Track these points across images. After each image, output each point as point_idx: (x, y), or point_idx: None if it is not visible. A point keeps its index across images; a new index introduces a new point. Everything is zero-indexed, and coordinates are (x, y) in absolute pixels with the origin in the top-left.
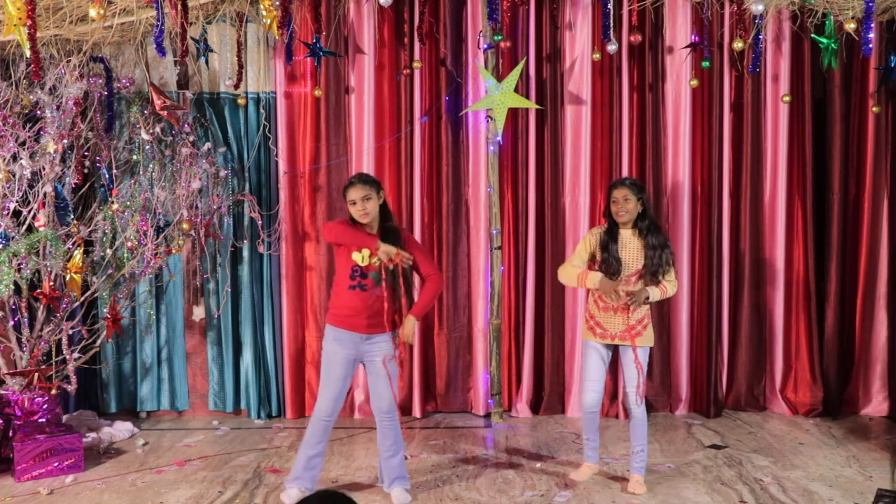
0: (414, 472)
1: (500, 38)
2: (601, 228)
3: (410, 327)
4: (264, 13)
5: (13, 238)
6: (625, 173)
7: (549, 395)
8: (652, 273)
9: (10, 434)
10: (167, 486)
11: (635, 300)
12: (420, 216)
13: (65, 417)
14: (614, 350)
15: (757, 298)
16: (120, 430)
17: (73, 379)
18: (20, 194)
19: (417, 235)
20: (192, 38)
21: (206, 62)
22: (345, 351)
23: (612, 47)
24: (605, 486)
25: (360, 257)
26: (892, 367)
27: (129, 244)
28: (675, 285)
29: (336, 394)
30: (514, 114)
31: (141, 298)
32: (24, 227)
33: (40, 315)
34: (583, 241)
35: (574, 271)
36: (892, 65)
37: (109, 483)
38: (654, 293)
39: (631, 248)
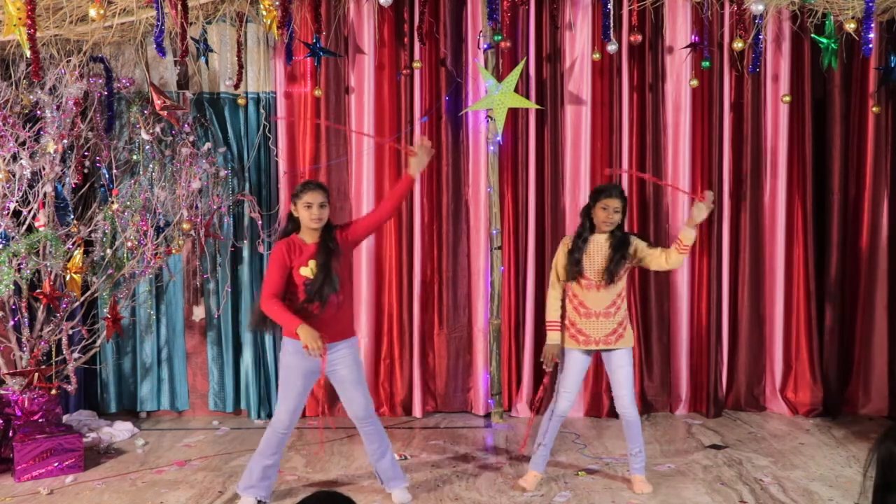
0: (414, 472)
1: (500, 38)
2: (571, 237)
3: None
4: (264, 13)
5: (13, 238)
6: (624, 174)
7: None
8: (609, 273)
9: (10, 434)
10: (167, 486)
11: (699, 213)
12: (420, 216)
13: (65, 417)
14: (595, 355)
15: (757, 298)
16: (120, 430)
17: (73, 379)
18: (20, 194)
19: (417, 235)
20: (192, 38)
21: (206, 62)
22: (305, 363)
23: (612, 47)
24: (605, 486)
25: (308, 271)
26: (892, 367)
27: (129, 244)
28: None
29: (294, 407)
30: (514, 114)
31: (141, 298)
32: (24, 227)
33: (40, 315)
34: (557, 255)
35: (553, 307)
36: (892, 65)
37: (109, 483)
38: (691, 234)
39: (603, 255)
